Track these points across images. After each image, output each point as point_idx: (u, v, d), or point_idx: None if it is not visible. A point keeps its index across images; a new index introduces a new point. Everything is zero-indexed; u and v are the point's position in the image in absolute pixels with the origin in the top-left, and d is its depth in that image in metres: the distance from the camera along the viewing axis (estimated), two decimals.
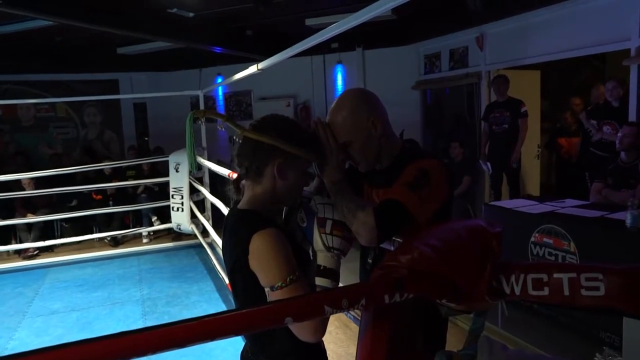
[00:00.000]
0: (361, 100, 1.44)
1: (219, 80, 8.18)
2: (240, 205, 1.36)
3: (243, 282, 1.27)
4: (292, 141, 1.30)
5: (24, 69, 7.75)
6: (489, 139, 5.68)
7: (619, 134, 3.87)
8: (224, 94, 8.67)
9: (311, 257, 1.35)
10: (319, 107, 8.01)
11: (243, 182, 1.40)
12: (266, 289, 1.19)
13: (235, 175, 1.47)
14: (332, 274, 1.27)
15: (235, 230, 1.30)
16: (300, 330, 1.17)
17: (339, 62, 7.80)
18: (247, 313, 0.87)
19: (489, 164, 5.67)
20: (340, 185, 1.37)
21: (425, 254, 0.97)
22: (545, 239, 3.23)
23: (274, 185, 1.31)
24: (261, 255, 1.19)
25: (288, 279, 1.15)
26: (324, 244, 1.27)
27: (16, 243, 6.32)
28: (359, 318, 1.72)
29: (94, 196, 6.91)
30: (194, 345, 0.82)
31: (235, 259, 1.25)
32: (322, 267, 1.27)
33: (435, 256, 0.96)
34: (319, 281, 1.26)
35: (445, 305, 0.99)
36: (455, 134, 6.66)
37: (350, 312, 2.07)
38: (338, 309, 0.91)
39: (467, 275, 0.94)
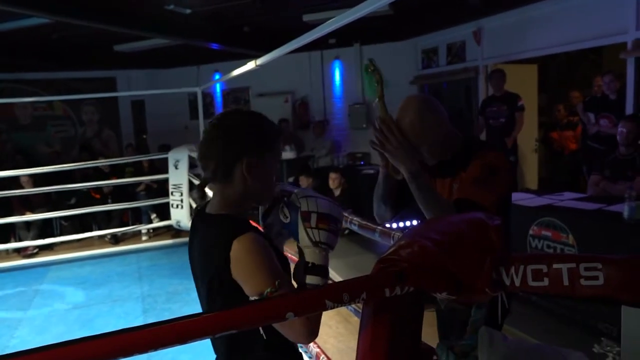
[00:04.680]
0: (426, 107, 1.57)
1: (217, 77, 8.17)
2: (210, 210, 1.27)
3: (223, 293, 1.18)
4: (260, 136, 1.23)
5: (20, 67, 7.72)
6: (486, 133, 5.68)
7: (620, 130, 3.83)
8: (222, 90, 8.66)
9: (295, 255, 1.26)
10: (317, 103, 8.00)
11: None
12: (252, 298, 1.11)
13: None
14: (322, 270, 1.19)
15: (211, 237, 1.22)
16: (294, 333, 1.13)
17: (337, 57, 7.80)
18: (249, 308, 0.88)
19: None
20: (419, 180, 1.47)
21: (426, 247, 0.97)
22: (544, 232, 3.25)
23: (246, 185, 1.22)
24: (245, 263, 1.12)
25: (277, 283, 1.08)
26: (310, 239, 1.18)
27: (15, 241, 6.31)
28: (360, 310, 1.72)
29: (93, 194, 6.89)
30: (196, 340, 0.83)
31: (215, 269, 1.17)
32: (310, 264, 1.18)
33: (435, 249, 0.97)
34: (310, 279, 1.17)
35: (445, 298, 1.00)
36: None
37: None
38: (339, 302, 0.91)
39: (467, 268, 0.95)
